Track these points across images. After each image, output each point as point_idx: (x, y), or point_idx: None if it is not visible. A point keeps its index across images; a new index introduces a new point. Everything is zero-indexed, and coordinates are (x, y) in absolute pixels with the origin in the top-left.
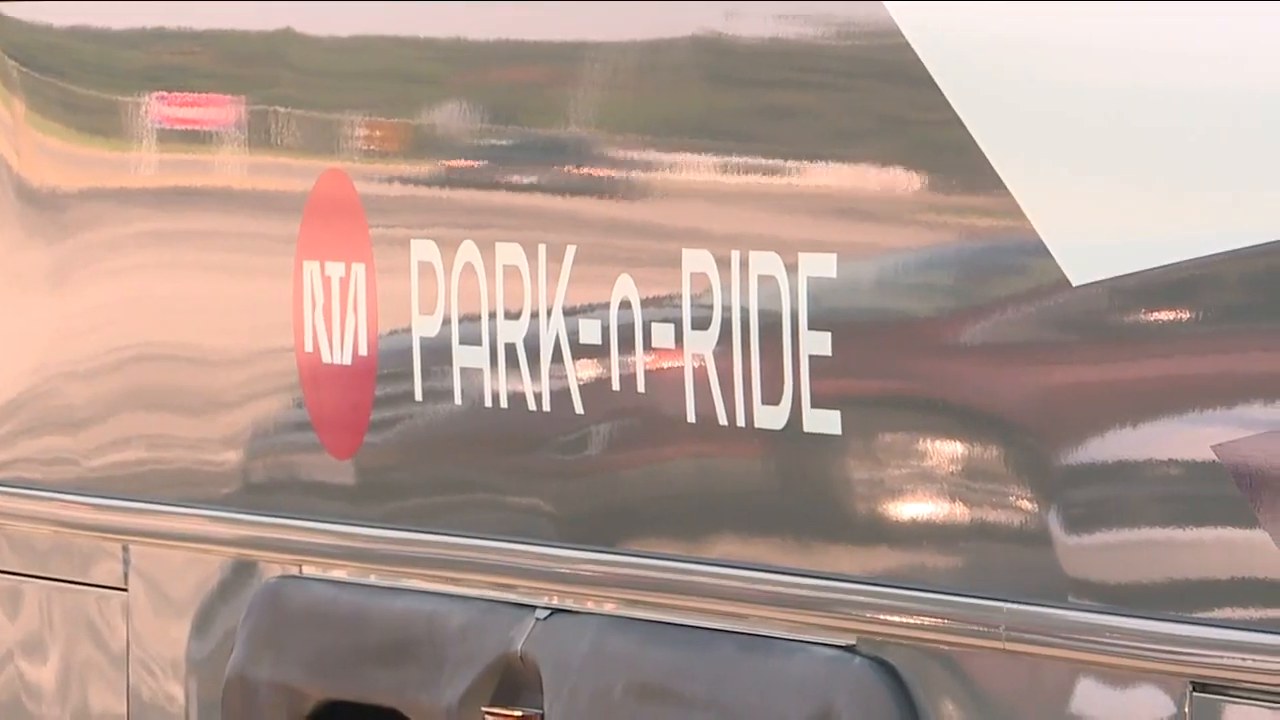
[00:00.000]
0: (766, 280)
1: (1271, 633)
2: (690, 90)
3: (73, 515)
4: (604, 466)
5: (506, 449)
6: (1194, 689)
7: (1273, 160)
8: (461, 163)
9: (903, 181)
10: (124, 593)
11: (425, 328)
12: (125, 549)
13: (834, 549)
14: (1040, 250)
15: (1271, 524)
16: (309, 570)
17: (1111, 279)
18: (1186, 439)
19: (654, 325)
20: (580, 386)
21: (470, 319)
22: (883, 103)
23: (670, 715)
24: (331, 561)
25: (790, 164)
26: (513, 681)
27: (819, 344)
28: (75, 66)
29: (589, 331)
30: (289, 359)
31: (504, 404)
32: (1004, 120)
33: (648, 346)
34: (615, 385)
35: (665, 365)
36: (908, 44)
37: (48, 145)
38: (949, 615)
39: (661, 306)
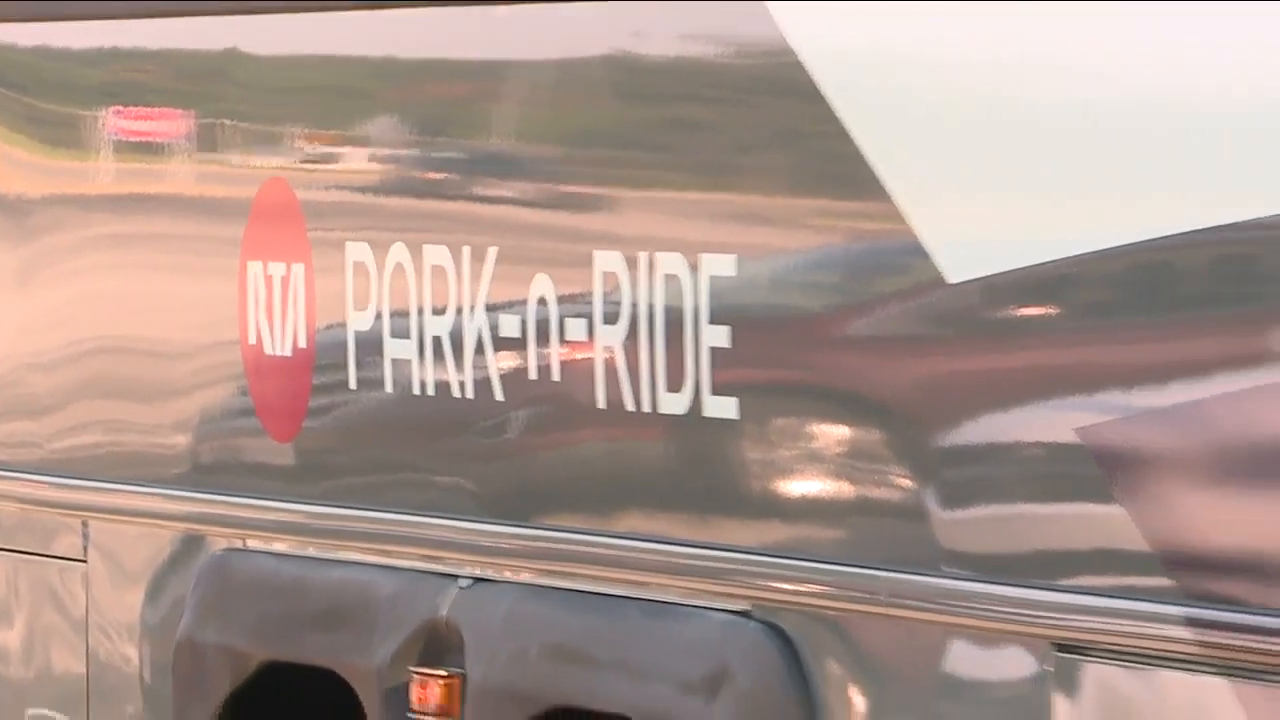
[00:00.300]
0: (671, 279)
1: (1126, 599)
2: (601, 105)
3: (36, 494)
4: (522, 449)
5: (433, 433)
6: (1056, 649)
7: (1131, 168)
8: (392, 171)
9: (796, 189)
10: (83, 564)
11: (359, 322)
12: (84, 524)
13: (730, 523)
14: (919, 251)
15: (1128, 500)
16: (252, 543)
17: (984, 277)
18: (1052, 423)
19: (568, 320)
20: (500, 376)
21: (400, 314)
22: (777, 117)
23: (580, 675)
24: (273, 535)
25: (693, 173)
26: (438, 644)
27: (719, 337)
28: (38, 83)
29: (509, 326)
30: (234, 351)
31: (431, 392)
32: (888, 133)
33: (562, 339)
34: (532, 375)
35: (578, 356)
36: (800, 63)
37: (13, 156)
38: (834, 583)
39: (575, 303)
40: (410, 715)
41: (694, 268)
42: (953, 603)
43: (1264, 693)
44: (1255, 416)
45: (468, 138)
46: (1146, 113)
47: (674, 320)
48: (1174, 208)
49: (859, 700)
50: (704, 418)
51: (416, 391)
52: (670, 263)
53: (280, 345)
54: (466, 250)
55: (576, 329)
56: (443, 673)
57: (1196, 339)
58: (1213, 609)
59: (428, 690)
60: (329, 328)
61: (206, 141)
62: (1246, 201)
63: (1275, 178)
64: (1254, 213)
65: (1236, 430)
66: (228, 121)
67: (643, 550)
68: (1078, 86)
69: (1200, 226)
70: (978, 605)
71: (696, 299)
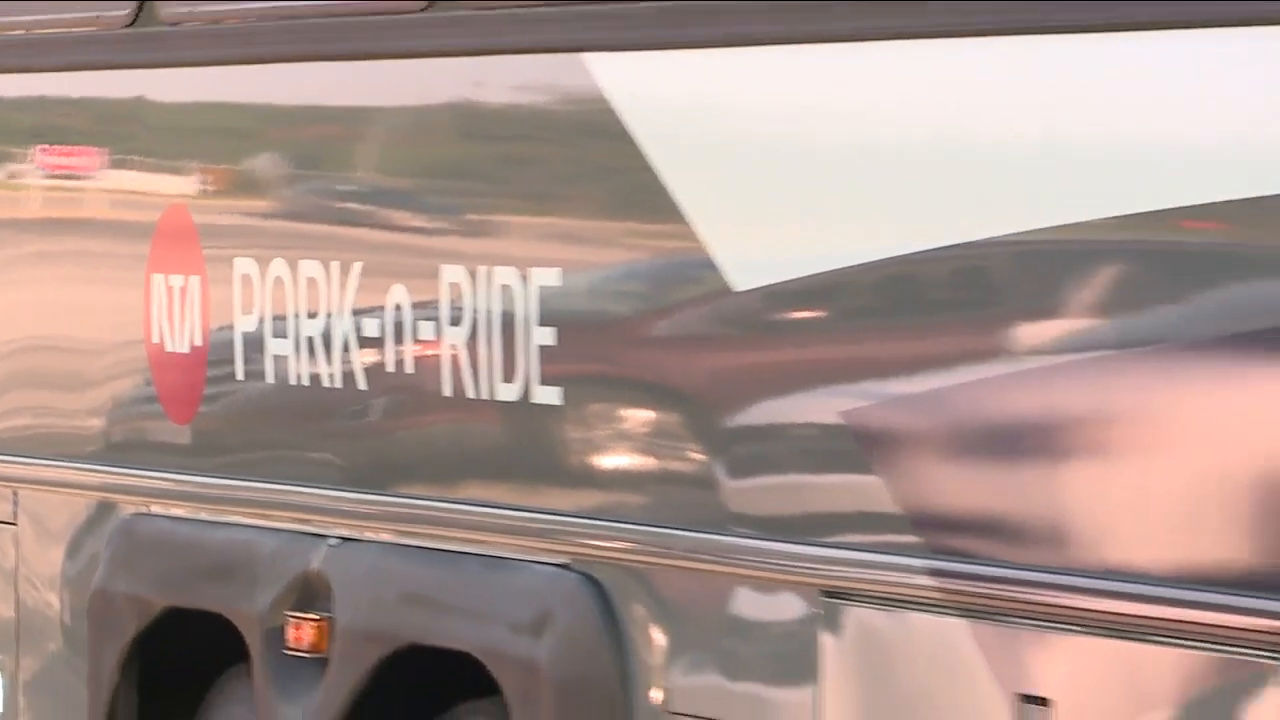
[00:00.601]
0: (506, 289)
1: (881, 553)
2: (447, 144)
3: None
4: (381, 430)
5: (307, 416)
6: (823, 595)
7: (886, 196)
8: (273, 199)
9: (610, 213)
10: (14, 526)
11: (245, 325)
12: (15, 493)
13: (555, 491)
14: (710, 265)
15: (882, 471)
16: (156, 509)
17: (765, 286)
18: (821, 407)
19: (420, 323)
20: (364, 369)
21: (280, 318)
22: (593, 153)
23: (430, 618)
24: (173, 502)
25: (524, 200)
26: (310, 593)
27: (546, 337)
28: None
29: (370, 328)
30: (141, 349)
31: (305, 382)
32: (684, 167)
33: (415, 339)
34: (390, 368)
35: (428, 353)
36: (612, 109)
37: None
38: (640, 540)
39: (425, 309)
40: (286, 652)
41: (525, 279)
42: (738, 557)
43: (993, 630)
44: (986, 402)
45: (336, 171)
46: (899, 150)
47: (508, 323)
48: (921, 229)
49: (659, 638)
50: (533, 404)
51: (293, 382)
52: (505, 275)
53: (179, 344)
54: (335, 265)
55: (427, 330)
56: (314, 616)
57: (938, 338)
58: (951, 561)
59: (301, 631)
60: (220, 329)
61: (118, 174)
62: (978, 225)
63: (1000, 205)
64: (984, 234)
65: (971, 414)
66: (136, 157)
67: (481, 514)
68: (843, 127)
69: (941, 245)
70: (758, 559)
71: (527, 305)
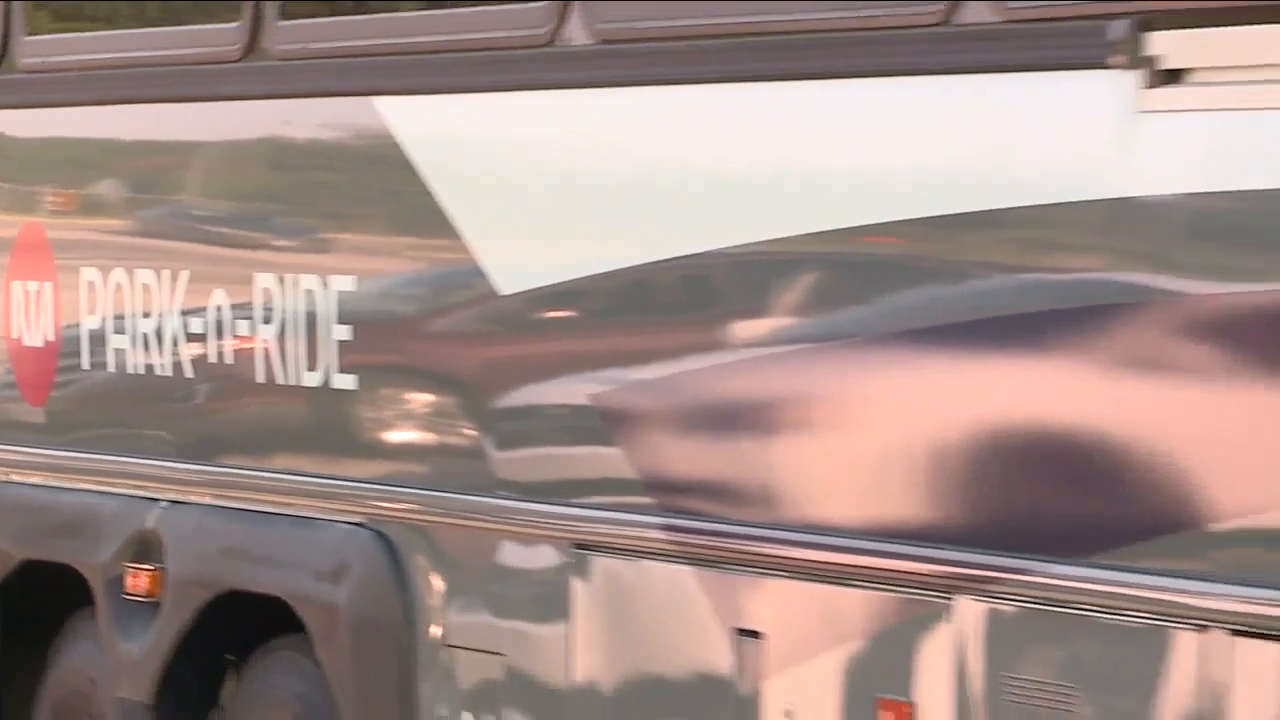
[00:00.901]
0: (310, 293)
1: (622, 511)
2: (260, 172)
3: None
4: (205, 410)
5: (142, 399)
6: (575, 547)
7: (628, 215)
8: (115, 218)
9: (395, 230)
10: None
11: (90, 323)
12: None
13: (351, 461)
14: (480, 273)
15: (622, 443)
16: (15, 477)
17: (526, 290)
18: (572, 390)
19: (237, 321)
20: (190, 360)
21: (119, 318)
22: (382, 180)
23: (246, 567)
24: (29, 472)
25: (325, 219)
26: (145, 547)
27: (344, 333)
28: None
29: (195, 325)
30: (1, 343)
31: (141, 371)
32: (457, 192)
33: (233, 335)
34: (213, 359)
35: (244, 346)
36: (397, 143)
37: None
38: (423, 503)
39: (242, 309)
40: (125, 597)
41: (325, 285)
42: (503, 515)
43: (715, 575)
44: (709, 387)
45: (168, 195)
46: (635, 178)
47: (311, 321)
48: (655, 243)
49: (439, 584)
50: (333, 389)
51: (131, 371)
52: (309, 281)
53: (34, 339)
54: (166, 273)
55: (243, 327)
56: (149, 567)
57: (669, 333)
58: (680, 518)
59: (138, 579)
60: (69, 327)
61: None
62: (700, 240)
63: (717, 224)
64: (705, 247)
65: (696, 396)
66: None
67: (289, 481)
68: (591, 159)
69: (671, 256)
70: (520, 517)
71: (327, 307)
